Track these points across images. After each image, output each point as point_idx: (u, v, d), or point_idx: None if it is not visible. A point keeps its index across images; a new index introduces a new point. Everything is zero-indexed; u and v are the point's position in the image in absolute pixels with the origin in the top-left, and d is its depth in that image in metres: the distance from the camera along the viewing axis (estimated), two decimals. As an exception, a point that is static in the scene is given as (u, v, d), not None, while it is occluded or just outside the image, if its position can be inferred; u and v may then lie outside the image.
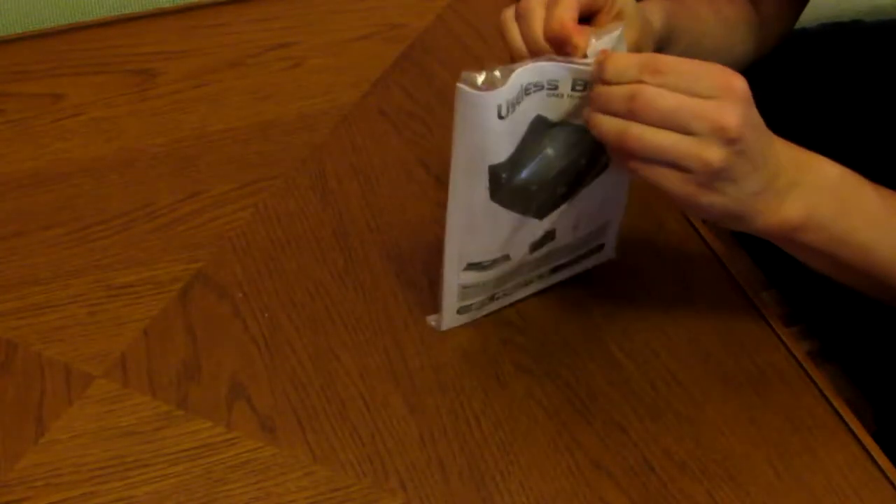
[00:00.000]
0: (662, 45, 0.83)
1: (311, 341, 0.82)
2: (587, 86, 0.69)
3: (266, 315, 0.83)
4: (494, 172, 0.71)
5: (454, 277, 0.78)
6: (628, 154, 0.67)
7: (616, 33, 0.70)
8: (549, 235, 0.78)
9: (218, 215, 0.91)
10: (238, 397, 0.78)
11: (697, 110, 0.66)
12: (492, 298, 0.81)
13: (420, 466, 0.74)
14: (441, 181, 0.94)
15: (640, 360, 0.80)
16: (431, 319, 0.82)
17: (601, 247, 0.83)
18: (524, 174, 0.72)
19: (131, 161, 0.96)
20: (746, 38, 0.95)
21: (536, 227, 0.76)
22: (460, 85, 0.67)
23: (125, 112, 1.01)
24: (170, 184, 0.94)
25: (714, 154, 0.66)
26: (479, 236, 0.76)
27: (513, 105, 0.68)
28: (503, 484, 0.73)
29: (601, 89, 0.68)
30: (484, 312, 0.82)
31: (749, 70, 0.99)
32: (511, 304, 0.83)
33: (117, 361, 0.80)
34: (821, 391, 0.79)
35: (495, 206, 0.73)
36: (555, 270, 0.83)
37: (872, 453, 0.75)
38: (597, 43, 0.69)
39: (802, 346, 0.83)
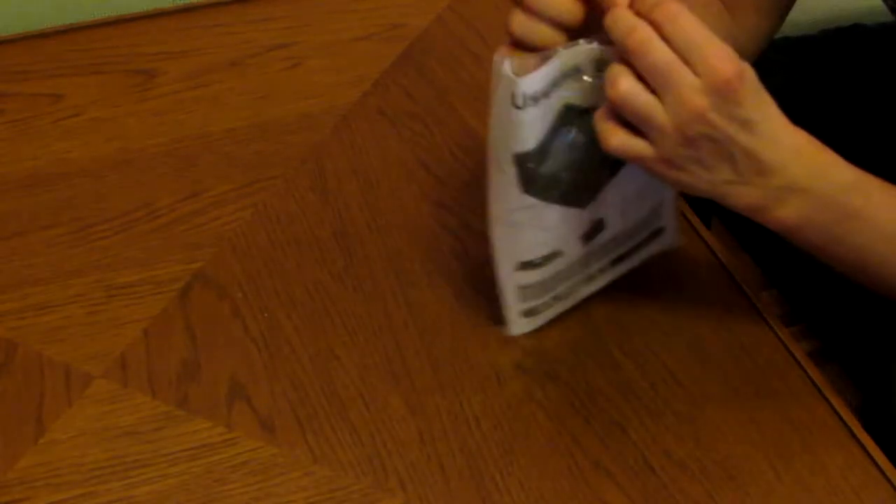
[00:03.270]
0: None
1: (311, 341, 0.82)
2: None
3: (266, 315, 0.83)
4: (522, 162, 0.70)
5: (509, 279, 0.77)
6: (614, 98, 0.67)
7: None
8: (598, 225, 0.77)
9: (218, 215, 0.91)
10: (238, 397, 0.78)
11: (675, 78, 0.65)
12: (556, 298, 0.80)
13: (420, 466, 0.74)
14: (441, 181, 0.94)
15: (640, 360, 0.80)
16: (502, 329, 0.81)
17: (660, 231, 0.82)
18: (553, 162, 0.71)
19: (131, 161, 0.96)
20: None
21: (582, 217, 0.75)
22: (501, 65, 0.67)
23: (125, 112, 1.01)
24: (170, 184, 0.94)
25: (673, 128, 0.66)
26: (523, 232, 0.75)
27: (544, 94, 0.68)
28: (503, 484, 0.73)
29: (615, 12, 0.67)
30: (553, 314, 0.81)
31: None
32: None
33: (117, 361, 0.80)
34: (821, 391, 0.79)
35: (531, 200, 0.72)
36: (616, 262, 0.81)
37: (872, 453, 0.75)
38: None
39: (802, 346, 0.83)
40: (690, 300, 0.84)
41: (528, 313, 0.80)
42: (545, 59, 0.67)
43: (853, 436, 0.76)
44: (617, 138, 0.68)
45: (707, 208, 1.00)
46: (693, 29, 0.66)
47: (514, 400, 0.78)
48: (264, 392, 0.78)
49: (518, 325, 0.81)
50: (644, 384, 0.79)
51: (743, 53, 0.97)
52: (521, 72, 0.67)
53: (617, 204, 0.76)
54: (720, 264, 0.87)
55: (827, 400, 0.78)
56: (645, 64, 0.66)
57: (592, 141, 0.70)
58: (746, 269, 0.99)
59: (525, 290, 0.78)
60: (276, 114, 1.01)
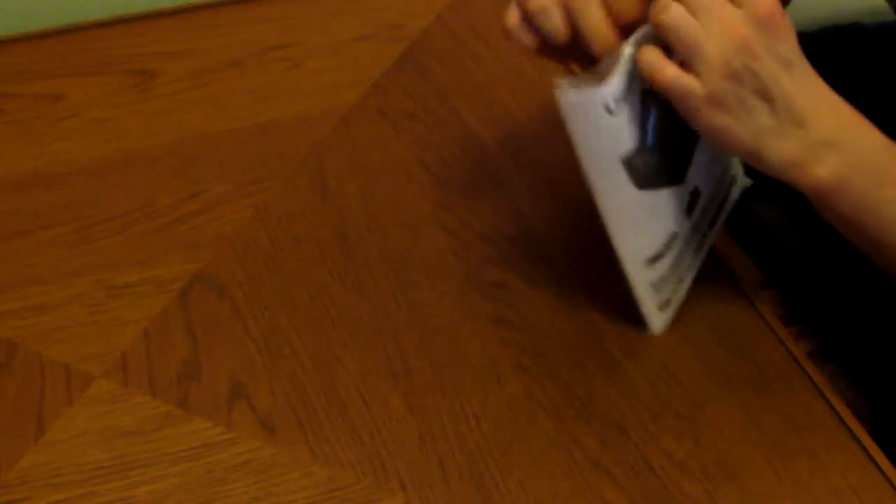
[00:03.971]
0: None
1: (311, 341, 0.82)
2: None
3: (266, 315, 0.83)
4: (630, 162, 0.71)
5: (641, 277, 0.77)
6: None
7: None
8: (696, 193, 0.77)
9: (218, 215, 0.91)
10: (238, 397, 0.78)
11: (719, 9, 0.68)
12: (680, 281, 0.81)
13: (420, 466, 0.74)
14: (441, 181, 0.94)
15: (640, 360, 0.80)
16: (646, 331, 0.81)
17: (733, 179, 0.82)
18: (654, 149, 0.72)
19: (131, 161, 0.96)
20: None
21: (683, 192, 0.76)
22: (563, 90, 0.68)
23: (125, 112, 1.01)
24: (170, 184, 0.94)
25: (719, 57, 0.67)
26: (645, 229, 0.76)
27: (624, 95, 0.69)
28: (503, 484, 0.73)
29: None
30: (679, 300, 0.82)
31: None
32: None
33: (117, 361, 0.80)
34: (820, 391, 0.79)
35: (646, 194, 0.73)
36: (712, 224, 0.82)
37: (872, 453, 0.75)
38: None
39: (802, 346, 0.83)
40: (690, 300, 0.84)
41: (663, 306, 0.80)
42: (611, 63, 0.69)
43: (853, 436, 0.76)
44: (669, 71, 0.69)
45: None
46: None
47: (514, 400, 0.78)
48: (264, 392, 0.78)
49: (658, 322, 0.81)
50: (644, 384, 0.79)
51: None
52: (585, 83, 0.69)
53: (703, 167, 0.77)
54: (720, 264, 0.87)
55: (827, 400, 0.78)
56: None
57: (674, 113, 0.71)
58: (746, 269, 0.98)
59: (657, 284, 0.78)
60: (276, 114, 1.01)
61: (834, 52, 1.09)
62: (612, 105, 0.69)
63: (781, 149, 0.71)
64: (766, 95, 0.69)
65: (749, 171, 0.84)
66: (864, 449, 0.75)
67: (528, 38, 0.74)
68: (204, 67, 1.06)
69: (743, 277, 0.87)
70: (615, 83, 0.69)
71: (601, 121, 0.69)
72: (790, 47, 0.69)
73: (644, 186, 0.73)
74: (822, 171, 0.71)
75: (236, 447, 0.75)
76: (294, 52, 1.08)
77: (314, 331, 0.82)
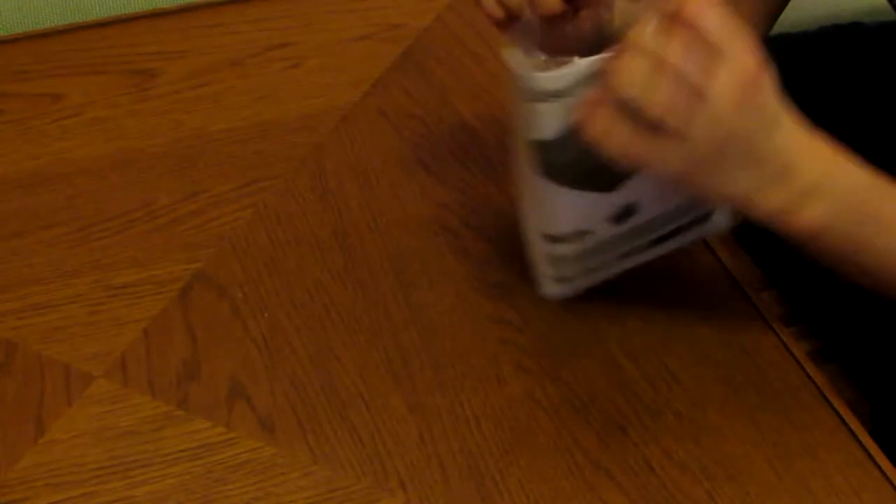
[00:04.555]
0: (617, 35, 0.81)
1: (311, 341, 0.82)
2: None
3: (266, 315, 0.83)
4: (538, 149, 0.71)
5: (539, 247, 0.79)
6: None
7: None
8: (630, 208, 0.77)
9: (218, 215, 0.91)
10: (238, 397, 0.78)
11: (702, 76, 0.63)
12: (591, 271, 0.81)
13: (420, 466, 0.74)
14: (441, 181, 0.94)
15: (640, 360, 0.80)
16: (536, 289, 0.82)
17: (708, 214, 0.81)
18: (571, 153, 0.71)
19: (131, 161, 0.96)
20: None
21: (610, 201, 0.75)
22: (512, 54, 0.68)
23: (125, 112, 1.01)
24: (170, 184, 0.94)
25: (700, 126, 0.64)
26: (546, 211, 0.76)
27: (564, 93, 0.68)
28: (503, 484, 0.73)
29: None
30: (588, 283, 0.82)
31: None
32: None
33: (117, 361, 0.80)
34: (820, 391, 0.79)
35: (551, 184, 0.73)
36: (658, 242, 0.81)
37: (872, 453, 0.75)
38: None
39: (802, 346, 0.83)
40: (690, 300, 0.84)
41: (560, 280, 0.81)
42: (576, 65, 0.67)
43: (853, 436, 0.76)
44: (640, 146, 0.65)
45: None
46: (719, 24, 0.64)
47: (514, 400, 0.78)
48: (264, 392, 0.78)
49: (550, 289, 0.81)
50: (644, 384, 0.79)
51: None
52: (538, 62, 0.68)
53: (650, 189, 0.76)
54: (720, 264, 0.87)
55: (827, 400, 0.78)
56: (670, 63, 0.63)
57: None
58: (746, 269, 0.98)
59: (556, 260, 0.79)
60: (276, 114, 1.01)
61: (834, 51, 1.10)
62: (537, 95, 0.68)
63: (766, 201, 0.70)
64: (749, 158, 0.67)
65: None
66: (865, 449, 0.75)
67: (495, 10, 0.74)
68: (204, 67, 1.06)
69: (743, 277, 0.87)
70: (555, 79, 0.67)
71: (525, 100, 0.69)
72: (772, 101, 0.67)
73: (550, 177, 0.73)
74: (808, 216, 0.70)
75: (236, 447, 0.75)
76: (294, 51, 1.08)
77: (314, 331, 0.82)
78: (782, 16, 0.99)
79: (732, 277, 0.86)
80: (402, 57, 1.07)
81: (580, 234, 0.77)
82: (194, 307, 0.84)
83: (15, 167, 0.96)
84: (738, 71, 0.64)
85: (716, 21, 0.64)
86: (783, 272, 1.05)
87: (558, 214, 0.76)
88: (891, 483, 0.74)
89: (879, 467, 0.74)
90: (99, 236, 0.90)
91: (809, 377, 0.79)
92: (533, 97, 0.69)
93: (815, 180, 0.70)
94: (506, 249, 0.87)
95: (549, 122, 0.70)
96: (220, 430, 0.76)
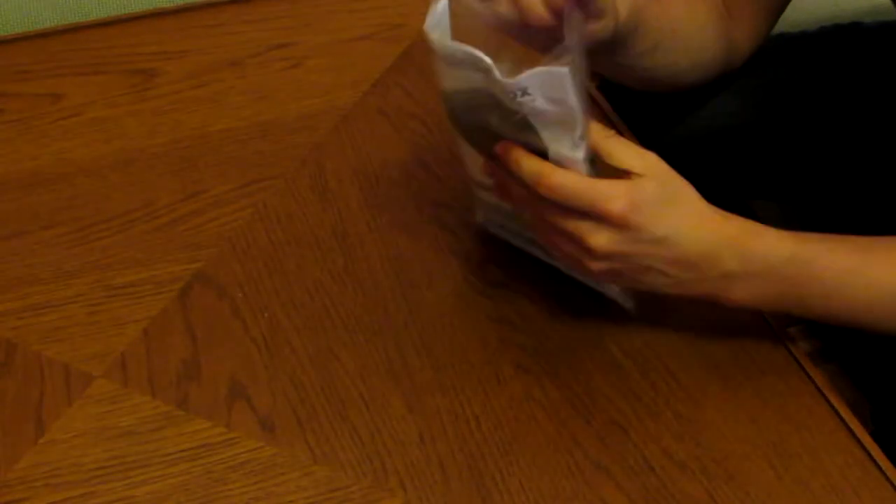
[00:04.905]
0: (626, 33, 0.81)
1: (311, 341, 0.82)
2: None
3: (266, 315, 0.83)
4: (445, 97, 0.76)
5: (471, 182, 0.82)
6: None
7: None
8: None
9: (218, 215, 0.91)
10: (238, 397, 0.78)
11: (577, 230, 0.71)
12: (511, 232, 0.83)
13: (420, 466, 0.74)
14: (441, 181, 0.94)
15: (640, 360, 0.80)
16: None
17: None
18: (459, 108, 0.76)
19: (131, 161, 0.96)
20: (717, 44, 0.93)
21: None
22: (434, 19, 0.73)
23: (125, 112, 1.01)
24: (170, 184, 0.94)
25: (594, 262, 0.72)
26: (464, 150, 0.80)
27: (452, 62, 0.72)
28: (503, 484, 0.73)
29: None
30: (517, 242, 0.84)
31: (749, 73, 1.00)
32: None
33: (117, 361, 0.80)
34: (820, 391, 0.79)
35: (456, 131, 0.78)
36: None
37: (872, 453, 0.75)
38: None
39: (802, 346, 0.83)
40: (690, 300, 0.84)
41: (491, 223, 0.84)
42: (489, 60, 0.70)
43: (853, 436, 0.76)
44: (562, 251, 0.74)
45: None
46: (572, 185, 0.69)
47: (514, 400, 0.78)
48: (264, 392, 0.78)
49: (483, 219, 0.86)
50: (644, 384, 0.79)
51: (740, 51, 0.97)
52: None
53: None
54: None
55: (827, 400, 0.78)
56: (550, 224, 0.72)
57: (471, 108, 0.74)
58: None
59: (482, 203, 0.82)
60: (276, 114, 1.01)
61: (834, 51, 1.10)
62: (446, 60, 0.72)
63: (692, 290, 0.74)
64: (650, 270, 0.72)
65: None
66: (865, 449, 0.75)
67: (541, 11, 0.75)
68: (204, 67, 1.06)
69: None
70: (461, 52, 0.70)
71: (437, 57, 0.73)
72: (657, 223, 0.71)
73: (452, 123, 0.77)
74: (737, 295, 0.74)
75: (236, 447, 0.75)
76: (294, 51, 1.08)
77: (314, 331, 0.82)
78: (782, 17, 0.99)
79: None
80: (402, 57, 1.07)
81: (486, 187, 0.80)
82: (194, 307, 0.84)
83: (15, 167, 0.95)
84: (611, 225, 0.70)
85: (574, 186, 0.69)
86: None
87: (464, 159, 0.81)
88: (891, 483, 0.74)
89: (879, 467, 0.74)
90: (99, 236, 0.89)
91: (809, 377, 0.79)
92: (443, 57, 0.73)
93: (728, 267, 0.73)
94: (506, 249, 0.87)
95: (442, 78, 0.75)
96: (220, 430, 0.76)
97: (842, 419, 0.77)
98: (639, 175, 0.70)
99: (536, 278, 0.85)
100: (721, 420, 0.77)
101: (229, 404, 0.78)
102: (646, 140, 0.98)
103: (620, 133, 0.74)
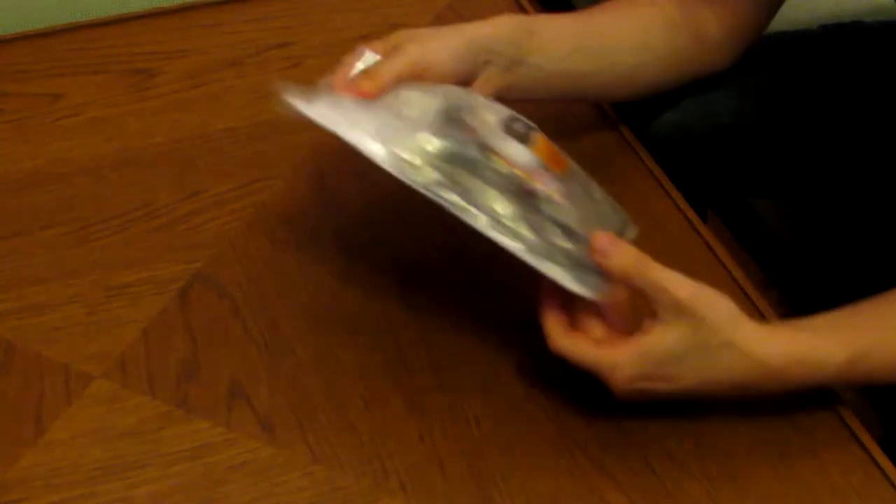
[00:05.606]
0: (525, 53, 0.86)
1: (311, 341, 0.82)
2: None
3: (266, 315, 0.83)
4: None
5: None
6: None
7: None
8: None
9: (218, 215, 0.91)
10: (237, 397, 0.78)
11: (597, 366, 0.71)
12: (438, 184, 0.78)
13: (420, 466, 0.74)
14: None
15: (640, 360, 0.80)
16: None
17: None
18: None
19: (131, 161, 0.96)
20: (669, 41, 0.93)
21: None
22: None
23: (125, 112, 1.01)
24: (170, 184, 0.94)
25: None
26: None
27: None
28: (503, 484, 0.73)
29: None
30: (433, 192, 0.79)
31: (749, 73, 1.00)
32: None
33: (117, 361, 0.80)
34: (821, 392, 0.78)
35: None
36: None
37: (873, 454, 0.75)
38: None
39: (803, 347, 0.83)
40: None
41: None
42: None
43: (853, 436, 0.76)
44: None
45: (702, 200, 1.00)
46: (576, 355, 0.72)
47: (514, 400, 0.78)
48: (264, 392, 0.78)
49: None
50: (644, 384, 0.79)
51: (717, 43, 0.96)
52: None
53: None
54: (720, 264, 0.87)
55: (827, 400, 0.78)
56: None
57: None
58: (746, 269, 0.98)
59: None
60: (276, 114, 1.01)
61: (835, 50, 1.10)
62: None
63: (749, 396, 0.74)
64: (679, 391, 0.72)
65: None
66: (866, 449, 0.75)
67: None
68: (203, 67, 1.06)
69: (743, 277, 0.87)
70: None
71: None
72: (671, 377, 0.70)
73: None
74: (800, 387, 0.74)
75: (236, 447, 0.75)
76: (294, 51, 1.08)
77: (314, 331, 0.82)
78: (782, 16, 0.99)
79: (732, 277, 0.86)
80: (402, 57, 1.07)
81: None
82: (194, 307, 0.84)
83: (14, 167, 0.95)
84: (623, 376, 0.70)
85: (579, 356, 0.71)
86: (783, 271, 1.05)
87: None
88: (891, 483, 0.73)
89: (880, 467, 0.74)
90: (99, 236, 0.89)
91: (810, 377, 0.79)
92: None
93: (787, 385, 0.72)
94: (506, 249, 0.86)
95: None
96: (220, 430, 0.76)
97: (843, 420, 0.77)
98: (662, 321, 0.69)
99: (537, 278, 0.85)
100: (721, 420, 0.77)
101: (229, 404, 0.78)
102: (646, 140, 0.98)
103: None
